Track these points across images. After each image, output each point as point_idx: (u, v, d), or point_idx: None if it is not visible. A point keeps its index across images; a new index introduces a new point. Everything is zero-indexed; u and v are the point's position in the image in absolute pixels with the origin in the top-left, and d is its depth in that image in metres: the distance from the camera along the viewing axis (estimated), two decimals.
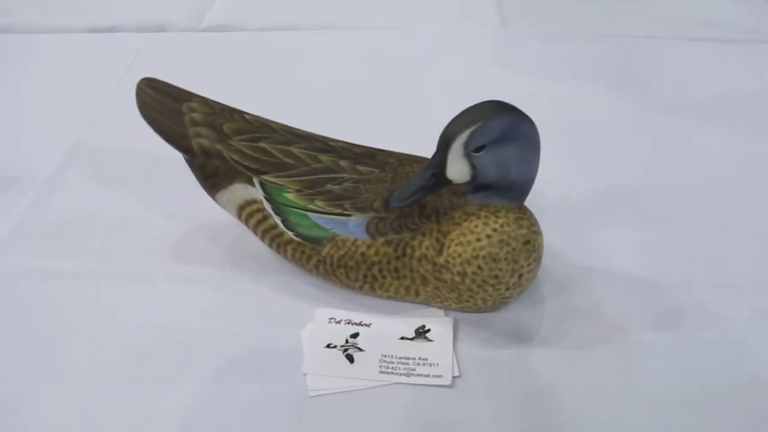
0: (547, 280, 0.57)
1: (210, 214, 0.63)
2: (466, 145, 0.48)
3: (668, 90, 0.83)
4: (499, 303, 0.52)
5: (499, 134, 0.48)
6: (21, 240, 0.62)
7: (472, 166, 0.48)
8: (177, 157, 0.63)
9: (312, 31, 0.95)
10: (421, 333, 0.52)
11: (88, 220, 0.64)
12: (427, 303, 0.53)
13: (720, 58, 0.88)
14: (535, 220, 0.51)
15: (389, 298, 0.54)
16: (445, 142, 0.48)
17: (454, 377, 0.49)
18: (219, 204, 0.57)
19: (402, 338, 0.52)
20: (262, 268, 0.58)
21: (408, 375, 0.49)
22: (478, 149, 0.48)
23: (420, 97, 0.81)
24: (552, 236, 0.56)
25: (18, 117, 0.79)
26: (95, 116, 0.77)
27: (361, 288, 0.53)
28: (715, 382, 0.50)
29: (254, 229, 0.55)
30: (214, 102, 0.57)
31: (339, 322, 0.53)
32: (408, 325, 0.52)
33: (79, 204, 0.66)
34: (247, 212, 0.55)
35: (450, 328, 0.52)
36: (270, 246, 0.55)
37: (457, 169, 0.49)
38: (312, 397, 0.48)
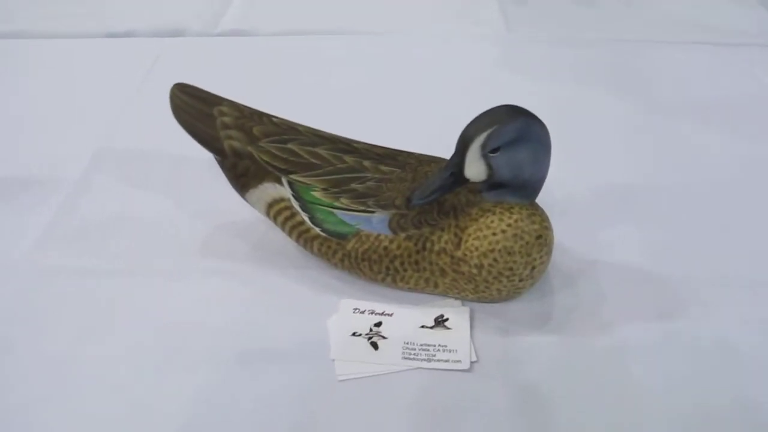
0: (556, 273, 0.60)
1: (235, 213, 0.66)
2: (483, 146, 0.51)
3: (667, 92, 0.87)
4: (513, 293, 0.55)
5: (514, 136, 0.51)
6: (54, 239, 0.65)
7: (489, 166, 0.52)
8: (200, 158, 0.67)
9: (322, 35, 0.98)
10: (440, 322, 0.56)
11: (118, 220, 0.67)
12: (444, 294, 0.57)
13: (718, 62, 0.92)
14: (546, 216, 0.55)
15: (409, 289, 0.57)
16: (464, 143, 0.52)
17: (471, 362, 0.53)
18: (248, 202, 0.60)
19: (422, 327, 0.55)
20: (288, 263, 0.61)
21: (429, 360, 0.53)
22: (494, 150, 0.51)
23: (427, 99, 0.85)
24: (559, 232, 0.59)
25: (42, 121, 0.82)
26: (118, 120, 0.81)
27: (383, 280, 0.57)
28: (710, 365, 0.54)
29: (282, 226, 0.59)
30: (243, 106, 0.60)
31: (363, 312, 0.56)
32: (427, 314, 0.56)
33: (108, 205, 0.69)
34: (275, 210, 0.58)
35: (467, 317, 0.56)
36: (297, 241, 0.59)
37: (475, 169, 0.52)
38: (341, 381, 0.52)
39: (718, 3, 1.06)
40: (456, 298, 0.57)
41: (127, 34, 0.97)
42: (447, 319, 0.56)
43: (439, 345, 0.54)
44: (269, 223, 0.63)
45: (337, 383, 0.52)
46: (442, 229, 0.54)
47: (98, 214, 0.68)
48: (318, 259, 0.60)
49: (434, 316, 0.56)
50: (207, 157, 0.71)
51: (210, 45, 0.96)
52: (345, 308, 0.57)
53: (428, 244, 0.54)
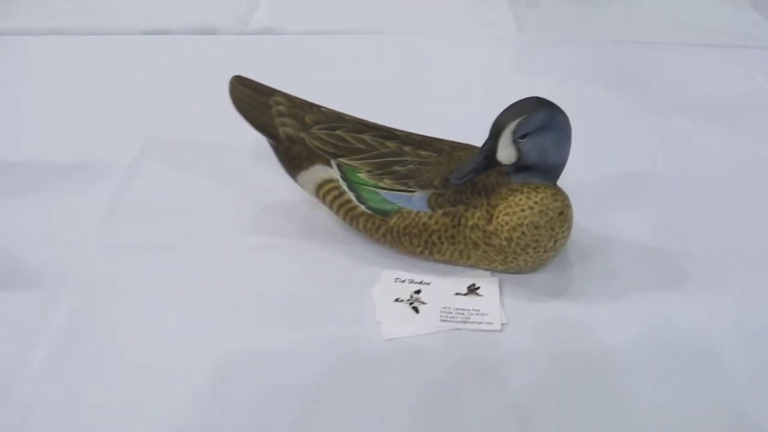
0: (573, 248, 0.67)
1: (280, 194, 0.73)
2: (514, 132, 0.58)
3: (668, 91, 0.94)
4: (537, 264, 0.62)
5: (540, 124, 0.58)
6: (114, 219, 0.70)
7: (518, 150, 0.59)
8: (241, 146, 0.74)
9: (345, 35, 1.05)
10: (473, 290, 0.62)
11: (170, 201, 0.73)
12: (475, 266, 0.64)
13: (715, 62, 1.00)
14: (567, 196, 0.62)
15: (445, 261, 0.64)
16: (497, 130, 0.58)
17: (502, 324, 0.60)
18: (298, 183, 0.67)
19: (457, 294, 0.62)
20: (332, 239, 0.68)
21: (464, 322, 0.60)
22: (523, 136, 0.58)
23: (444, 96, 0.92)
24: (574, 213, 0.66)
25: (91, 111, 0.88)
26: (162, 111, 0.87)
27: (421, 253, 0.63)
28: (714, 327, 0.61)
29: (330, 204, 0.65)
30: (295, 97, 0.67)
31: (403, 282, 0.63)
32: (461, 283, 0.63)
33: (160, 188, 0.75)
34: (324, 189, 0.65)
35: (496, 285, 0.63)
36: (344, 219, 0.65)
37: (506, 153, 0.59)
38: (387, 340, 0.58)
39: (713, 6, 1.14)
40: (486, 270, 0.64)
41: (163, 32, 1.03)
42: (479, 288, 0.62)
43: (473, 309, 0.60)
44: (312, 203, 0.70)
45: (383, 342, 0.58)
46: (476, 207, 0.61)
47: (152, 196, 0.74)
48: (360, 236, 0.67)
49: (467, 285, 0.63)
50: (248, 144, 0.78)
51: (241, 43, 1.03)
52: (387, 278, 0.63)
53: (463, 220, 0.61)
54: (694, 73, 0.98)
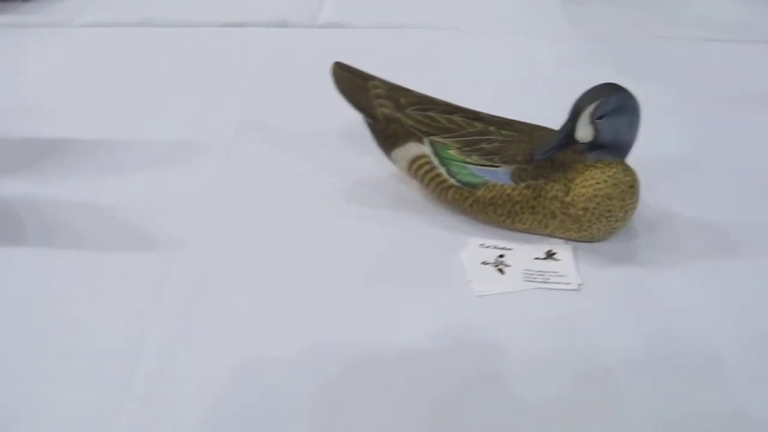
0: (638, 220, 0.74)
1: (367, 171, 0.81)
2: (592, 114, 0.65)
3: (713, 85, 1.00)
4: (609, 233, 0.69)
5: (615, 107, 0.65)
6: (220, 190, 0.78)
7: (595, 130, 0.66)
8: (327, 127, 0.83)
9: (407, 29, 1.12)
10: (550, 255, 0.70)
11: (266, 175, 0.81)
12: (551, 235, 0.71)
13: (761, 59, 1.07)
14: (635, 171, 0.69)
15: (524, 230, 0.71)
16: (576, 111, 0.66)
17: (579, 284, 0.67)
18: (392, 159, 0.75)
19: (536, 258, 0.69)
20: (420, 210, 0.75)
21: (545, 282, 0.67)
22: (600, 117, 0.65)
23: (511, 85, 0.98)
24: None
25: (185, 96, 0.95)
26: (248, 97, 0.95)
27: (503, 222, 0.71)
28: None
29: (421, 178, 0.73)
30: (389, 82, 0.75)
31: (488, 247, 0.70)
32: (539, 249, 0.70)
33: (256, 164, 0.83)
34: (417, 164, 0.72)
35: (571, 252, 0.70)
36: (433, 191, 0.73)
37: (584, 132, 0.66)
38: (478, 297, 0.66)
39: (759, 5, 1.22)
40: (560, 238, 0.71)
41: (240, 24, 1.11)
42: (555, 253, 0.70)
43: (552, 272, 0.68)
44: (399, 178, 0.78)
45: (474, 299, 0.66)
46: (555, 181, 0.68)
47: (250, 171, 0.82)
48: (444, 207, 0.75)
49: (545, 251, 0.70)
50: (332, 127, 0.86)
51: (312, 35, 1.11)
52: (473, 244, 0.71)
53: (543, 192, 0.68)
54: (737, 68, 1.04)
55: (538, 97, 0.95)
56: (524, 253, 0.70)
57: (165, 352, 0.61)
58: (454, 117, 0.71)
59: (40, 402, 0.57)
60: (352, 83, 0.74)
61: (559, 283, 0.67)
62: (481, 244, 0.71)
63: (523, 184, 0.69)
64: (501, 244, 0.71)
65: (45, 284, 0.68)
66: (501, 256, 0.70)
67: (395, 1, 1.19)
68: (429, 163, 0.72)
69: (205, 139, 0.87)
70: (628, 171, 0.68)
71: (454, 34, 1.12)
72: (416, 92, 0.74)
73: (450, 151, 0.71)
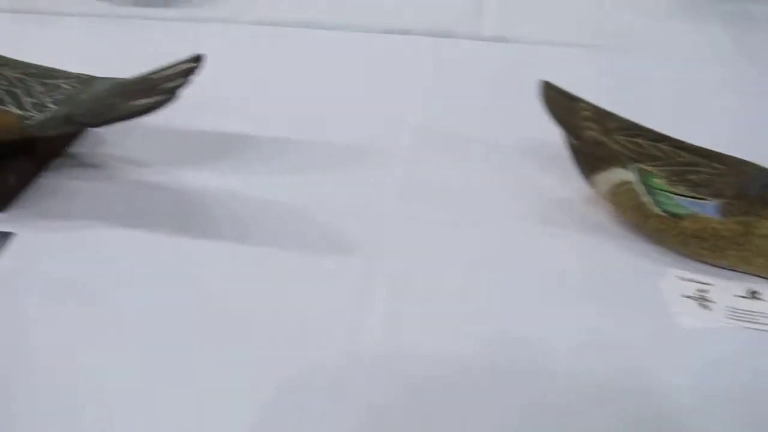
0: None
1: (552, 191, 0.80)
2: None
3: None
4: None
5: None
6: (408, 198, 0.79)
7: None
8: (504, 143, 0.83)
9: (563, 47, 1.11)
10: (753, 294, 0.68)
11: (448, 185, 0.81)
12: (754, 273, 0.69)
13: None
14: None
15: (726, 266, 0.70)
16: None
17: None
18: (591, 182, 0.74)
19: (737, 296, 0.68)
20: (610, 235, 0.74)
21: (751, 322, 0.65)
22: None
23: (684, 112, 0.96)
24: None
25: (358, 101, 0.96)
26: (422, 104, 0.96)
27: (705, 256, 0.69)
28: None
29: (623, 204, 0.72)
30: (596, 105, 0.75)
31: (688, 281, 0.69)
32: (740, 287, 0.68)
33: (438, 172, 0.83)
34: (621, 189, 0.71)
35: None
36: (631, 218, 0.72)
37: None
38: (685, 330, 0.65)
39: None
40: (762, 277, 0.69)
41: (404, 32, 1.12)
42: (760, 293, 0.68)
43: (758, 312, 0.66)
44: (586, 200, 0.77)
45: (681, 332, 0.64)
46: (767, 219, 0.67)
47: (432, 179, 0.82)
48: (637, 235, 0.73)
49: (746, 289, 0.68)
50: (513, 143, 0.86)
51: (474, 47, 1.11)
52: (672, 275, 0.69)
53: (752, 229, 0.67)
54: None
55: (724, 122, 0.93)
56: (725, 288, 0.68)
57: (376, 359, 0.61)
58: (661, 145, 0.71)
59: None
60: (560, 103, 0.74)
61: (766, 324, 0.65)
62: (681, 277, 0.70)
63: (732, 220, 0.68)
64: (699, 278, 0.70)
65: (239, 280, 0.68)
66: (702, 291, 0.68)
67: (559, 17, 1.19)
68: (632, 190, 0.71)
69: (382, 144, 0.88)
70: None
71: (618, 55, 1.11)
72: (623, 117, 0.74)
73: (656, 180, 0.70)
